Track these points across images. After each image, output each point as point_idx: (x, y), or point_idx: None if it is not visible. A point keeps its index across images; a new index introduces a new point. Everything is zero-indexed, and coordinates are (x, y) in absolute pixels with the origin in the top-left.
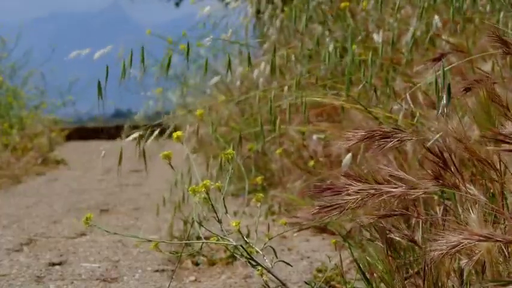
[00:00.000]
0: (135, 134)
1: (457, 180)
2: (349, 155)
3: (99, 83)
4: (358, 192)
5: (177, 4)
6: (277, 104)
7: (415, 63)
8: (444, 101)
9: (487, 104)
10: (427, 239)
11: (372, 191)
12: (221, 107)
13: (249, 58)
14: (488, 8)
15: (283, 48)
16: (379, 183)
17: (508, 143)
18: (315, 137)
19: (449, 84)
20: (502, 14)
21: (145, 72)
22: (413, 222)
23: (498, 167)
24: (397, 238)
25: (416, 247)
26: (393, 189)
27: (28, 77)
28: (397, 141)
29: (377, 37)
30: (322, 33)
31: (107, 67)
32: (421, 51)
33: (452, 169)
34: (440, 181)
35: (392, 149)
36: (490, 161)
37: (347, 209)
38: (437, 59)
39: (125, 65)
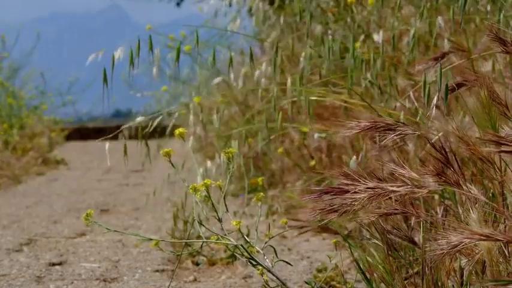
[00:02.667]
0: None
1: (459, 178)
2: (354, 157)
3: (104, 72)
4: (365, 191)
5: (178, 4)
6: (279, 103)
7: (416, 62)
8: (435, 101)
9: (488, 103)
10: (427, 239)
11: (379, 190)
12: (222, 106)
13: (251, 55)
14: (488, 7)
15: (284, 47)
16: (383, 182)
17: (506, 144)
18: (316, 136)
19: (446, 84)
20: (502, 13)
21: (146, 72)
22: (412, 222)
23: (499, 165)
24: (397, 239)
25: (417, 247)
26: (399, 188)
27: (28, 77)
28: (399, 134)
29: (377, 37)
30: (323, 31)
31: (113, 57)
32: (422, 50)
33: (454, 167)
34: (442, 177)
35: (393, 148)
36: (490, 160)
37: (354, 209)
38: (438, 58)
39: (133, 54)
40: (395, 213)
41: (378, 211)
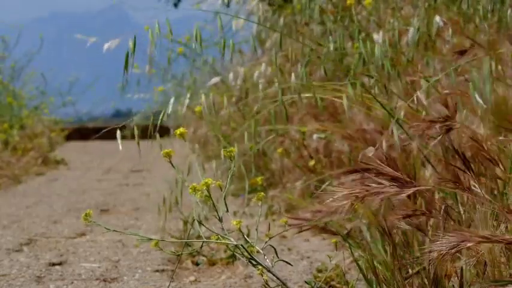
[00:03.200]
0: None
1: (470, 182)
2: (371, 148)
3: (127, 54)
4: (346, 198)
5: (175, 5)
6: (277, 103)
7: (416, 62)
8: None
9: (505, 99)
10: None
11: (362, 194)
12: (221, 106)
13: (254, 45)
14: (489, 7)
15: (284, 47)
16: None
17: None
18: (315, 136)
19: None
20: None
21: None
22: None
23: (503, 165)
24: (410, 227)
25: (417, 247)
26: (384, 190)
27: (28, 77)
28: (445, 128)
29: (377, 37)
30: (323, 31)
31: (134, 38)
32: (421, 50)
33: (468, 170)
34: (458, 184)
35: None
36: (496, 159)
37: (339, 214)
38: (461, 53)
39: (128, 59)
40: (416, 215)
41: (402, 213)
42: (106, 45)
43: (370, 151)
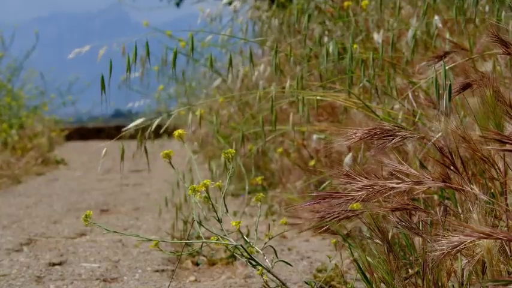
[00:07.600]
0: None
1: (462, 182)
2: (350, 154)
3: (102, 78)
4: (363, 188)
5: (178, 4)
6: (277, 103)
7: (416, 62)
8: (445, 100)
9: (493, 103)
10: (431, 237)
11: (377, 187)
12: (222, 106)
13: (251, 56)
14: (487, 8)
15: (283, 48)
16: (382, 179)
17: (509, 143)
18: (315, 136)
19: (450, 84)
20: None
21: (146, 72)
22: (418, 218)
23: (499, 166)
24: (405, 230)
25: (417, 247)
26: (398, 185)
27: (27, 77)
28: (400, 138)
29: (377, 37)
30: (322, 32)
31: (111, 62)
32: (421, 50)
33: (459, 170)
34: (447, 183)
35: (392, 149)
36: (491, 159)
37: (355, 201)
38: (440, 57)
39: (130, 59)
40: (407, 209)
41: (390, 205)
42: (101, 52)
43: (348, 159)
